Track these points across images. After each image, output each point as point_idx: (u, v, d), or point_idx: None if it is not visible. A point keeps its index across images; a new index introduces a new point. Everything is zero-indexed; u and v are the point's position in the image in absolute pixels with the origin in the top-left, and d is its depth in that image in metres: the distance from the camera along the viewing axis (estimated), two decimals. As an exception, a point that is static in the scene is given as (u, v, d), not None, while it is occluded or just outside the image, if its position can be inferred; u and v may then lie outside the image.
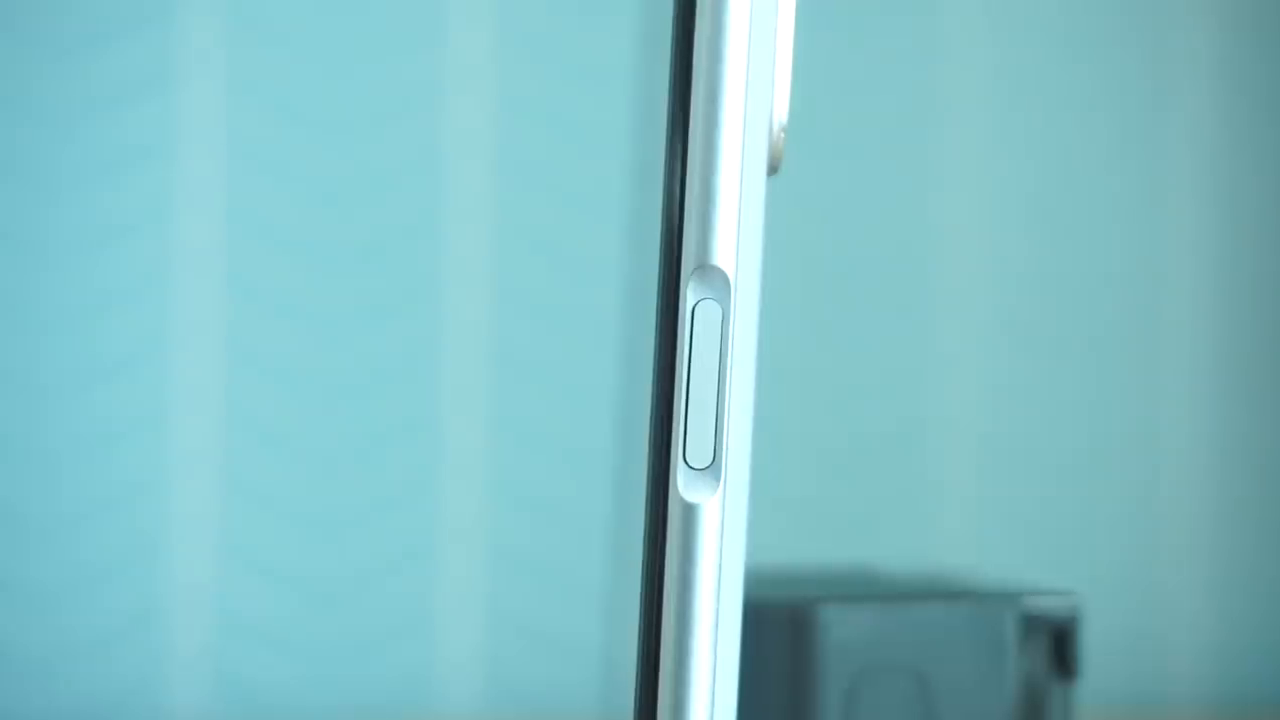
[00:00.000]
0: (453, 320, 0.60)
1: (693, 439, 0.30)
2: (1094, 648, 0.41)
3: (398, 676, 0.59)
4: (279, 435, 0.59)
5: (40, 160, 0.57)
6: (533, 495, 0.60)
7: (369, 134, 0.59)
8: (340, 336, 0.59)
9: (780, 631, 0.38)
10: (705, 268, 0.30)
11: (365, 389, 0.59)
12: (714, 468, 0.30)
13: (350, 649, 0.59)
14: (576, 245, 0.60)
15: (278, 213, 0.59)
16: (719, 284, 0.30)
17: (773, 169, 0.31)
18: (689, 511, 0.30)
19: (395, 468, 0.59)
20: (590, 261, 0.60)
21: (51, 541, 0.57)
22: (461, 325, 0.60)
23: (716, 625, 0.30)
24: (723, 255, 0.30)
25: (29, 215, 0.57)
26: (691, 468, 0.30)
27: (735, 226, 0.30)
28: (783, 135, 0.31)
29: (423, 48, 0.60)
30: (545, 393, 0.60)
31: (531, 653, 0.59)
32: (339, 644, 0.59)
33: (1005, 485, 0.62)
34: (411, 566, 0.59)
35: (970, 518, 0.62)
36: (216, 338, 0.58)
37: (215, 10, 0.59)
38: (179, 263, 0.58)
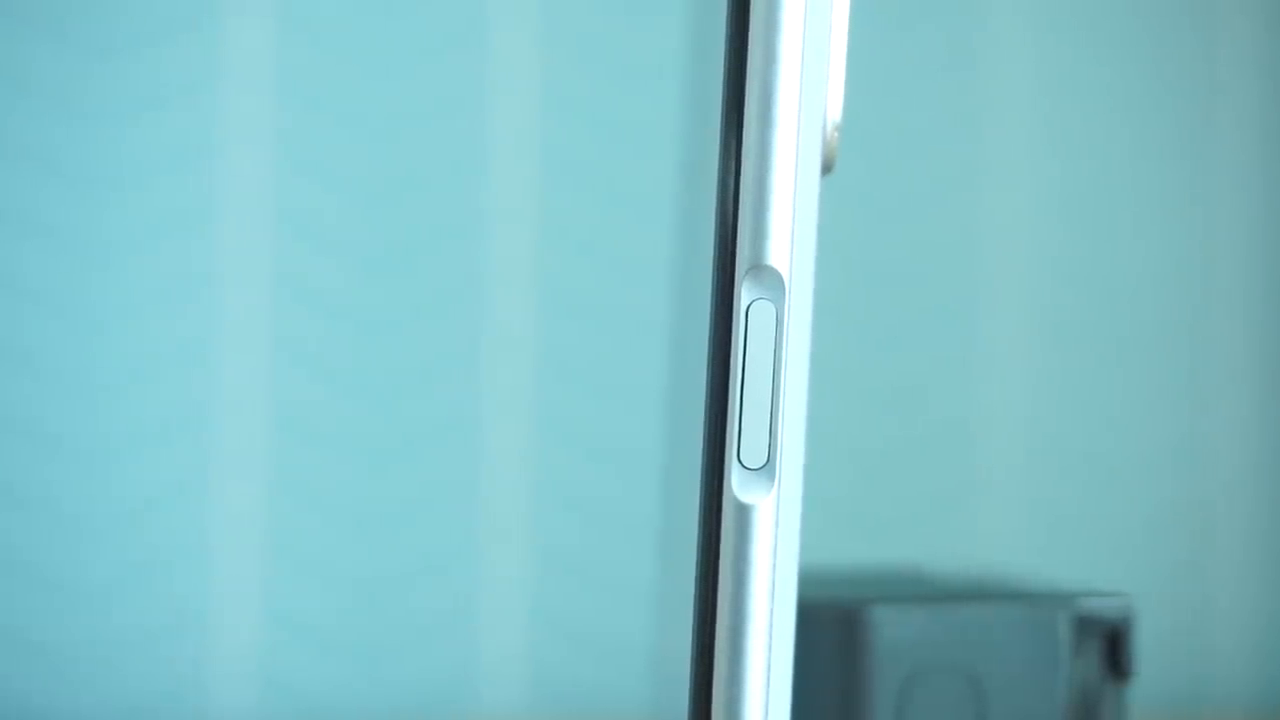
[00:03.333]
0: (499, 319, 0.60)
1: (747, 439, 0.30)
2: (1142, 648, 0.41)
3: (441, 676, 0.59)
4: (325, 434, 0.59)
5: (89, 160, 0.58)
6: (577, 494, 0.60)
7: (416, 134, 0.59)
8: (386, 336, 0.59)
9: (831, 632, 0.38)
10: (760, 268, 0.30)
11: (411, 388, 0.59)
12: (768, 468, 0.30)
13: (394, 648, 0.59)
14: (621, 244, 0.60)
15: (324, 213, 0.59)
16: (774, 284, 0.30)
17: (827, 168, 0.31)
18: (743, 512, 0.30)
19: (441, 467, 0.59)
20: (634, 260, 0.60)
21: (97, 540, 0.57)
22: (508, 324, 0.60)
23: (771, 626, 0.30)
24: (777, 255, 0.30)
25: (78, 214, 0.58)
26: (746, 468, 0.30)
27: (790, 226, 0.30)
28: (837, 134, 0.31)
29: (468, 48, 0.60)
30: (590, 392, 0.60)
31: (575, 653, 0.59)
32: (383, 643, 0.59)
33: (1053, 486, 0.62)
34: (456, 566, 0.59)
35: (1017, 518, 0.62)
36: (263, 337, 0.59)
37: (262, 12, 0.59)
38: (226, 262, 0.58)
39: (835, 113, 0.31)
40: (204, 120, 0.58)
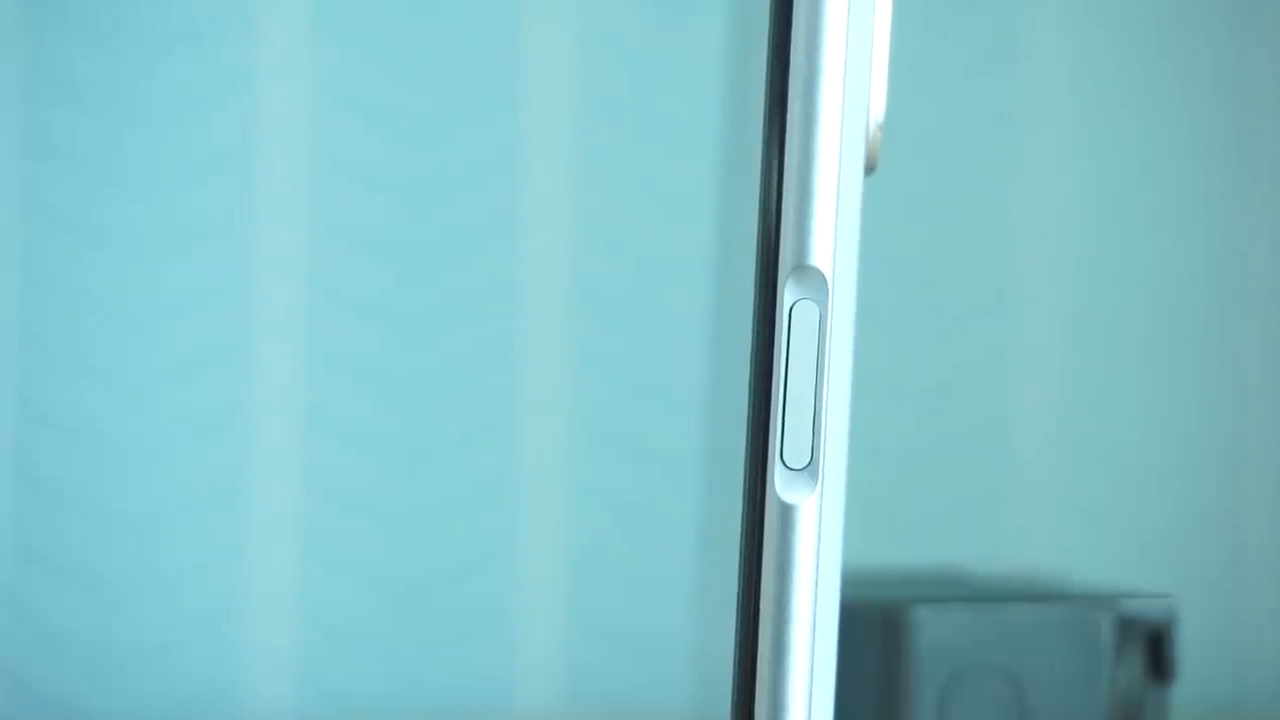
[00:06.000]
0: (536, 320, 0.60)
1: (790, 439, 0.30)
2: (1182, 650, 0.41)
3: (479, 677, 0.59)
4: (360, 435, 0.59)
5: (126, 161, 0.58)
6: (613, 494, 0.60)
7: (452, 135, 0.59)
8: (422, 336, 0.59)
9: (873, 632, 0.38)
10: (803, 268, 0.30)
11: (447, 388, 0.59)
12: (811, 468, 0.30)
13: (431, 649, 0.59)
14: (657, 244, 0.60)
15: (359, 213, 0.59)
16: (816, 284, 0.30)
17: (869, 168, 0.31)
18: (786, 512, 0.30)
19: (476, 467, 0.59)
20: (670, 260, 0.60)
21: (135, 540, 0.58)
22: (544, 325, 0.60)
23: (814, 626, 0.30)
24: (820, 255, 0.30)
25: (115, 215, 0.58)
26: (789, 468, 0.30)
27: (833, 226, 0.30)
28: (879, 134, 0.31)
29: (504, 47, 0.60)
30: (626, 392, 0.60)
31: (613, 653, 0.59)
32: (420, 643, 0.59)
33: (1091, 487, 0.62)
34: (493, 566, 0.59)
35: (1055, 519, 0.62)
36: (298, 338, 0.59)
37: (298, 13, 0.59)
38: (261, 263, 0.58)
39: (878, 112, 0.31)
40: (240, 122, 0.58)
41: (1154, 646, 0.39)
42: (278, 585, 0.58)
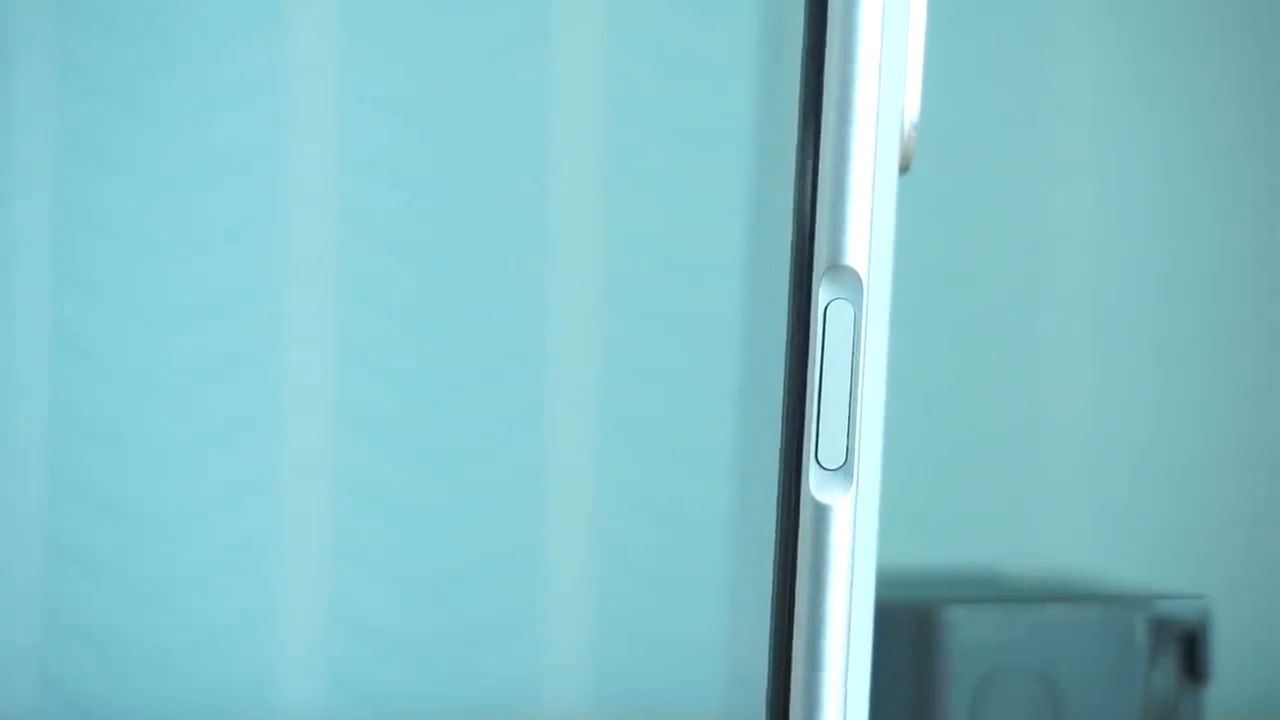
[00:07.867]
0: (564, 320, 0.60)
1: (824, 439, 0.30)
2: (1216, 651, 0.41)
3: (506, 676, 0.59)
4: (389, 435, 0.59)
5: (154, 162, 0.58)
6: (642, 493, 0.60)
7: (480, 134, 0.59)
8: (450, 336, 0.59)
9: (906, 632, 0.38)
10: (837, 267, 0.30)
11: (475, 388, 0.59)
12: (846, 468, 0.30)
13: (459, 648, 0.59)
14: (687, 244, 0.60)
15: (387, 213, 0.59)
16: (851, 284, 0.30)
17: (904, 168, 0.31)
18: (821, 512, 0.30)
19: (505, 467, 0.59)
20: (699, 260, 0.60)
21: (165, 539, 0.58)
22: (573, 325, 0.60)
23: (849, 625, 0.30)
24: (855, 255, 0.30)
25: (143, 216, 0.58)
26: (823, 468, 0.30)
27: (868, 226, 0.30)
28: (914, 134, 0.31)
29: (533, 46, 0.60)
30: (656, 392, 0.60)
31: (641, 653, 0.59)
32: (448, 643, 0.59)
33: (1122, 487, 0.62)
34: (522, 565, 0.59)
35: (1086, 520, 0.62)
36: (327, 337, 0.59)
37: (326, 13, 0.59)
38: (290, 263, 0.59)
39: (913, 112, 0.31)
40: (268, 121, 0.58)
41: (1188, 647, 0.39)
42: (307, 585, 0.58)
